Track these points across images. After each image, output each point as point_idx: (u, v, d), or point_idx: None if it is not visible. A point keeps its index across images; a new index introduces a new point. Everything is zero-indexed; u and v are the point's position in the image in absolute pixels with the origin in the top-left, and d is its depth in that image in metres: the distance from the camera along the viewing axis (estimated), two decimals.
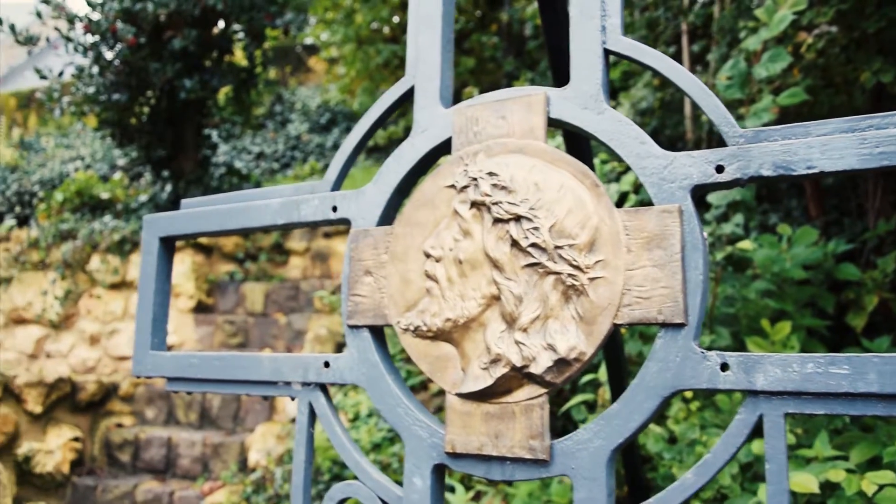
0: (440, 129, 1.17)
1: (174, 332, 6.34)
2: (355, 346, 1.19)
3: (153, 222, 1.54)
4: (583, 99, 1.05)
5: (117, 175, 8.36)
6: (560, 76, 1.69)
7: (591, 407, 2.90)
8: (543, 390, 0.99)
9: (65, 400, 5.50)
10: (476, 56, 9.25)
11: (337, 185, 1.34)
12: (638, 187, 3.06)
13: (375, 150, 9.86)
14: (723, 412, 2.33)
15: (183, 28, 6.52)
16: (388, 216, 1.22)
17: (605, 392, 2.64)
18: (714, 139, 4.60)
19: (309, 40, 11.59)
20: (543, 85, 7.13)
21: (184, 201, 1.54)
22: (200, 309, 6.44)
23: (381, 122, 1.31)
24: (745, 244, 2.52)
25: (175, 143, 7.24)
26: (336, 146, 10.17)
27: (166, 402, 5.78)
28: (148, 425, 5.72)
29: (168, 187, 7.20)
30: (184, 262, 6.45)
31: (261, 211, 1.38)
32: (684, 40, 5.12)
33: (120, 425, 5.72)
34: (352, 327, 1.20)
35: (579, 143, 1.77)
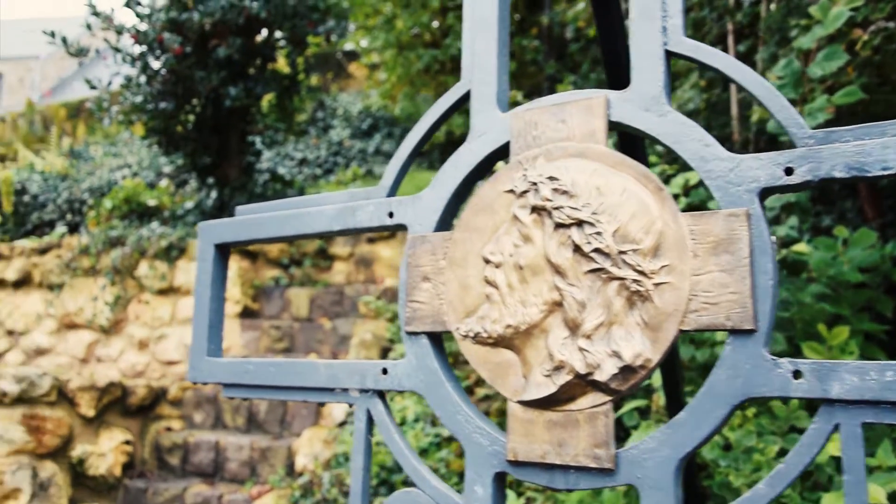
0: (498, 133, 1.16)
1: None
2: (413, 352, 1.19)
3: (208, 229, 1.55)
4: (644, 101, 1.04)
5: (164, 182, 8.49)
6: (615, 79, 1.68)
7: (643, 412, 2.86)
8: (608, 398, 0.97)
9: (116, 404, 5.59)
10: (517, 60, 9.23)
11: (393, 191, 1.33)
12: (688, 190, 3.02)
13: (418, 154, 9.89)
14: (779, 419, 2.29)
15: (227, 37, 6.61)
16: (445, 222, 1.21)
17: (659, 398, 2.60)
18: (763, 140, 4.52)
19: (349, 46, 11.67)
20: (586, 88, 7.08)
21: (238, 208, 1.55)
22: (246, 314, 6.51)
23: (436, 127, 1.31)
24: (801, 247, 2.47)
25: (220, 151, 7.33)
26: (378, 151, 10.22)
27: (214, 407, 5.84)
28: (196, 429, 5.79)
29: (213, 194, 7.29)
30: (230, 268, 6.50)
31: (316, 217, 1.38)
32: (730, 40, 5.04)
33: (169, 429, 5.80)
34: (410, 334, 1.19)
35: (634, 146, 1.75)
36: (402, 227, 1.26)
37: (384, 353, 5.38)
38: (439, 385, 1.15)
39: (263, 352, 6.22)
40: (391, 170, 1.34)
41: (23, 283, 7.67)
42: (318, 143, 10.35)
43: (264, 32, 7.22)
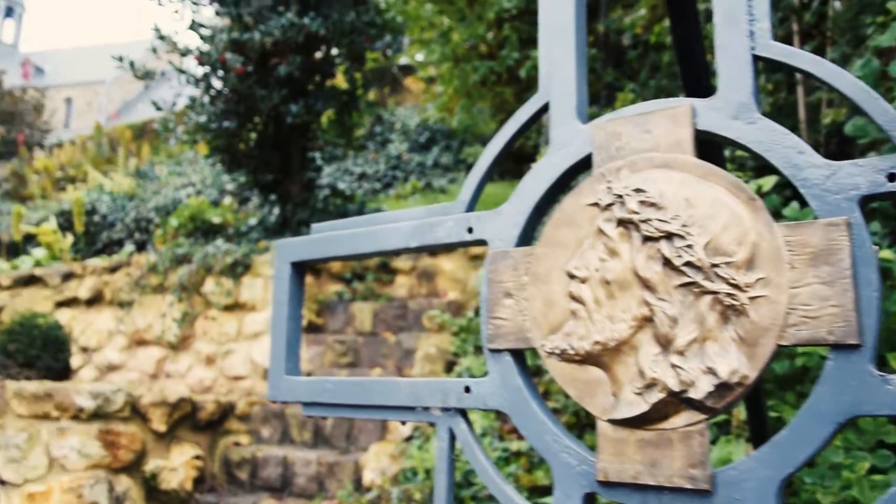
0: (579, 145, 1.14)
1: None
2: (497, 370, 1.17)
3: (285, 248, 1.56)
4: (733, 108, 1.00)
5: (227, 200, 8.65)
6: (692, 86, 1.64)
7: (720, 426, 2.78)
8: (703, 416, 0.94)
9: (186, 419, 5.69)
10: None
11: (471, 206, 1.31)
12: (761, 197, 2.92)
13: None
14: (866, 434, 2.20)
15: (288, 55, 6.71)
16: (526, 236, 1.19)
17: (739, 413, 2.53)
18: (833, 143, 4.40)
19: (404, 61, 11.75)
20: (646, 96, 7.00)
21: (314, 226, 1.55)
22: (311, 329, 6.57)
23: (514, 140, 1.29)
24: (886, 254, 2.38)
25: (281, 167, 7.44)
26: (436, 164, 10.25)
27: (281, 422, 5.90)
28: (264, 444, 5.86)
29: (276, 210, 7.40)
30: None
31: (394, 234, 1.37)
32: (796, 41, 4.93)
33: (237, 444, 5.87)
34: (493, 351, 1.17)
35: (712, 155, 1.70)
36: (481, 243, 1.24)
37: (449, 367, 5.37)
38: (524, 403, 1.13)
39: (328, 366, 6.26)
40: (469, 184, 1.32)
41: (95, 300, 7.88)
42: (376, 157, 10.43)
43: (323, 49, 7.32)
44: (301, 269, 1.56)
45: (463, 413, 1.21)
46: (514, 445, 4.16)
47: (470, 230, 1.25)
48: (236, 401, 6.11)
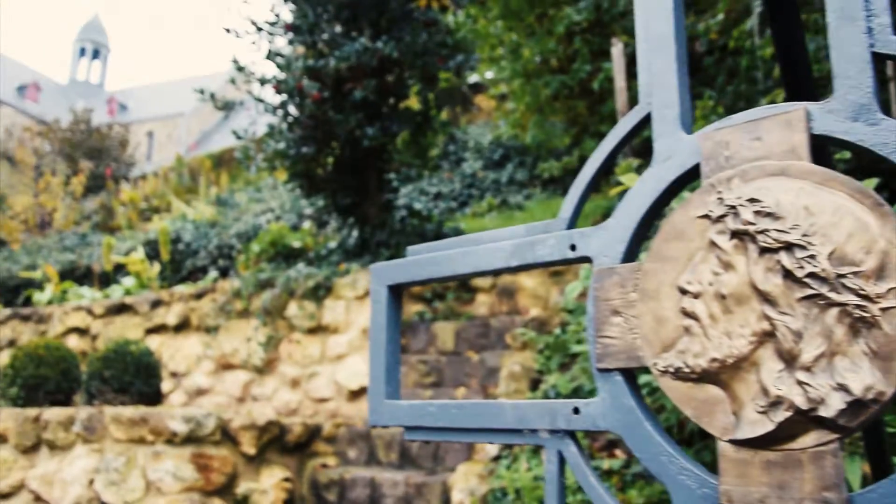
0: (685, 156, 1.10)
1: (369, 373, 6.51)
2: (607, 390, 1.13)
3: (381, 271, 1.55)
4: (852, 110, 0.95)
5: (306, 224, 8.79)
6: (794, 89, 1.58)
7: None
8: (835, 436, 0.89)
9: (275, 442, 5.76)
10: None
11: (572, 223, 1.28)
12: None
13: (551, 181, 9.82)
14: None
15: (362, 79, 6.81)
16: (632, 252, 1.16)
17: None
18: None
19: (473, 79, 11.77)
20: (724, 102, 6.84)
21: (409, 248, 1.54)
22: None
23: (616, 154, 1.26)
24: None
25: (358, 190, 7.53)
26: (511, 181, 10.23)
27: (367, 443, 5.93)
28: (351, 465, 5.89)
29: (354, 233, 7.48)
30: None
31: (493, 253, 1.35)
32: None
33: (325, 465, 5.92)
34: (602, 370, 1.14)
35: (823, 162, 1.64)
36: (585, 260, 1.21)
37: (534, 385, 5.32)
38: (638, 424, 1.09)
39: (412, 387, 6.27)
40: (570, 201, 1.30)
41: (182, 326, 8.09)
42: (451, 176, 10.48)
43: (395, 72, 7.40)
44: (398, 292, 1.55)
45: (572, 435, 1.18)
46: (606, 464, 4.08)
47: (573, 247, 1.22)
48: (322, 423, 6.17)
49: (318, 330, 6.94)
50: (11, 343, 9.49)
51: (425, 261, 1.46)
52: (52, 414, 5.92)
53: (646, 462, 1.07)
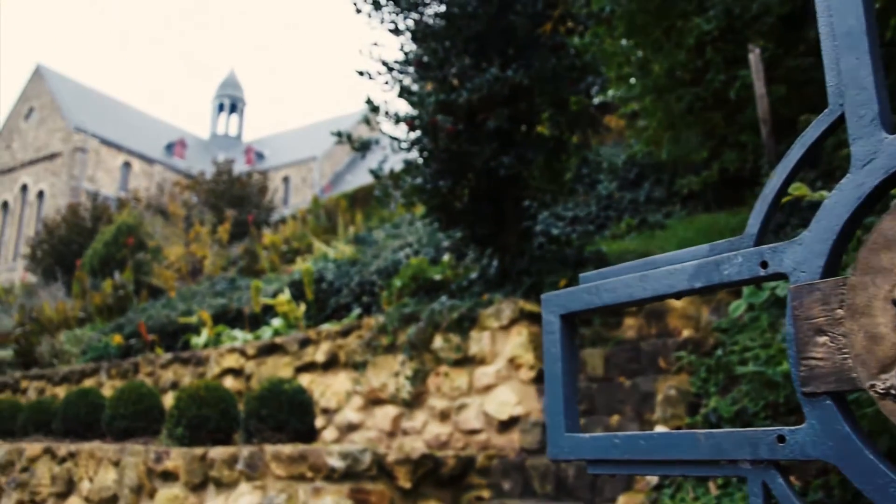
0: (887, 158, 1.00)
1: (519, 403, 6.45)
2: (815, 416, 1.03)
3: (552, 300, 1.50)
4: None
5: (445, 257, 8.86)
6: None
7: None
8: None
9: (429, 475, 5.77)
10: (785, 82, 8.65)
11: (760, 239, 1.19)
12: None
13: (691, 197, 9.51)
14: None
15: (494, 109, 6.83)
16: (832, 266, 1.06)
17: None
18: None
19: (596, 100, 11.60)
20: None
21: (581, 276, 1.48)
22: (541, 378, 6.51)
23: (804, 163, 1.16)
24: None
25: (496, 220, 7.53)
26: (649, 199, 9.98)
27: (521, 474, 5.84)
28: (506, 497, 5.81)
29: (494, 262, 7.47)
30: (521, 334, 6.59)
31: (673, 276, 1.28)
32: None
33: (480, 498, 5.87)
34: (808, 395, 1.04)
35: None
36: (779, 277, 1.12)
37: (692, 409, 5.10)
38: (857, 453, 0.98)
39: None
40: (756, 215, 1.21)
41: (330, 364, 8.28)
42: (587, 199, 10.34)
43: (527, 99, 7.38)
44: (571, 321, 1.49)
45: (777, 465, 1.09)
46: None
47: (764, 265, 1.14)
48: (475, 455, 6.14)
49: (464, 361, 6.95)
50: (174, 385, 10.00)
51: (600, 287, 1.40)
52: (217, 452, 6.15)
53: (871, 493, 0.96)
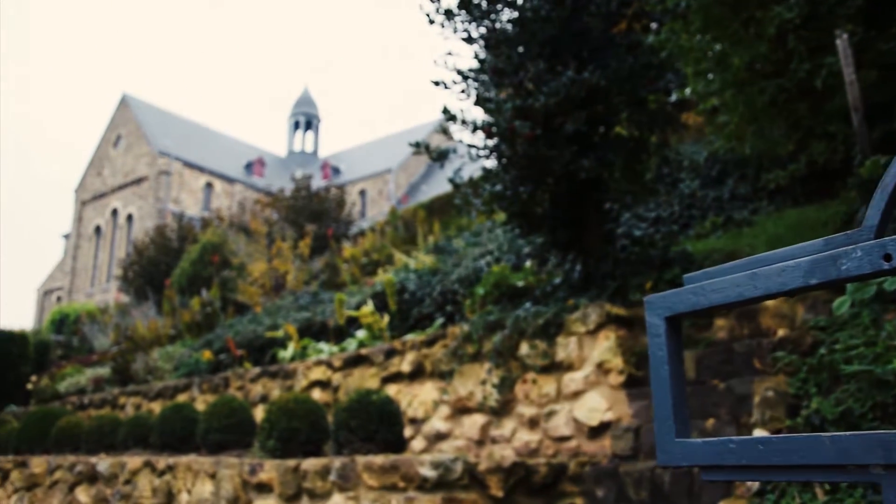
0: None
1: (609, 408, 6.35)
2: None
3: (656, 302, 1.45)
4: None
5: (527, 263, 8.81)
6: None
7: None
8: None
9: (521, 483, 5.72)
10: (876, 66, 8.31)
11: (881, 231, 1.13)
12: None
13: (778, 192, 9.22)
14: None
15: (571, 112, 6.76)
16: None
17: None
18: None
19: (675, 96, 11.36)
20: None
21: (686, 276, 1.44)
22: (631, 383, 6.40)
23: None
24: None
25: (577, 223, 7.45)
26: (734, 196, 9.73)
27: (614, 481, 5.74)
28: None
29: (577, 267, 7.39)
30: (608, 338, 6.49)
31: (787, 273, 1.22)
32: None
33: None
34: None
35: None
36: None
37: (792, 411, 4.92)
38: None
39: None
40: (875, 206, 1.15)
41: (416, 374, 8.32)
42: (668, 199, 10.14)
43: (604, 99, 7.29)
44: (676, 323, 1.45)
45: None
46: None
47: (887, 257, 1.08)
48: (566, 462, 6.06)
49: (551, 368, 6.88)
50: (263, 398, 10.20)
51: (707, 287, 1.35)
52: (309, 464, 6.23)
53: None
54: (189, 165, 54.02)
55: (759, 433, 5.03)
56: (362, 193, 56.24)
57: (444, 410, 7.90)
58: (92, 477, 8.92)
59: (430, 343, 8.24)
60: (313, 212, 24.79)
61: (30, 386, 17.21)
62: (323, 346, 10.71)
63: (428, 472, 5.33)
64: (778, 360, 5.21)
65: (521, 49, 7.06)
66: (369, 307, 10.32)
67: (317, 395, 9.46)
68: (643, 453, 6.02)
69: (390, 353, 8.70)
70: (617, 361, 6.42)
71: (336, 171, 60.42)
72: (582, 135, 6.97)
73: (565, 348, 6.78)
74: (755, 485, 4.65)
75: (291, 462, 6.40)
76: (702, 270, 1.42)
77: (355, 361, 9.18)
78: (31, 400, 16.96)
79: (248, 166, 59.97)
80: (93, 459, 9.05)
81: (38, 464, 10.07)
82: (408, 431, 8.15)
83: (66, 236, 60.28)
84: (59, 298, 56.92)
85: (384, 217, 26.36)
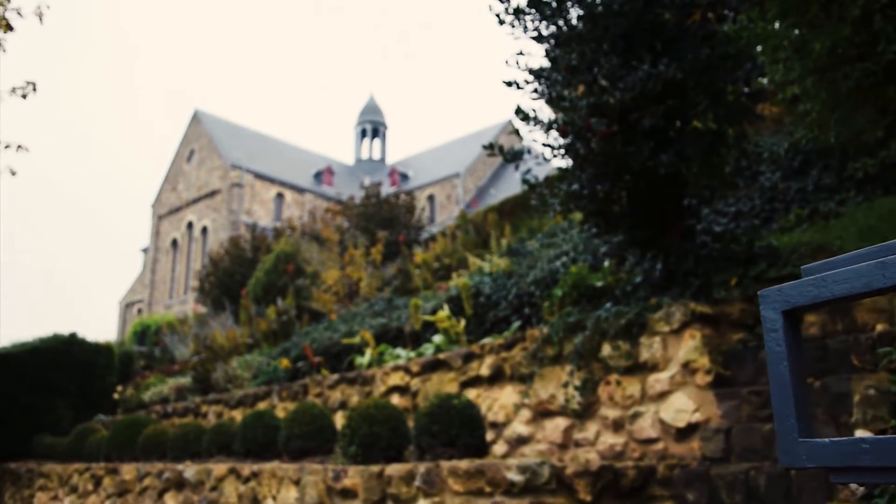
0: None
1: (698, 409, 6.17)
2: None
3: (771, 296, 1.36)
4: None
5: (605, 263, 8.65)
6: None
7: None
8: None
9: (609, 487, 5.61)
10: None
11: None
12: None
13: (867, 181, 8.86)
14: None
15: (647, 106, 6.61)
16: None
17: None
18: None
19: (745, 89, 11.00)
20: None
21: (804, 268, 1.35)
22: (719, 383, 6.20)
23: None
24: None
25: (656, 221, 7.28)
26: (818, 187, 9.39)
27: (706, 484, 5.57)
28: None
29: (658, 265, 7.22)
30: (693, 337, 6.32)
31: None
32: None
33: None
34: None
35: None
36: None
37: (895, 409, 4.69)
38: None
39: (746, 421, 5.83)
40: None
41: (496, 377, 8.25)
42: (748, 192, 9.84)
43: (680, 92, 7.11)
44: (794, 317, 1.36)
45: None
46: None
47: None
48: (655, 464, 5.91)
49: (635, 369, 6.73)
50: (342, 405, 10.27)
51: (829, 279, 1.26)
52: (393, 470, 6.22)
53: None
54: (260, 177, 55.12)
55: (860, 433, 4.80)
56: (430, 199, 56.49)
57: (525, 414, 7.81)
58: (179, 483, 9.11)
59: (508, 346, 8.17)
60: (384, 218, 24.94)
61: (116, 396, 17.75)
62: (400, 351, 10.73)
63: (515, 477, 5.25)
64: (882, 357, 4.97)
65: (593, 45, 6.94)
66: (445, 311, 10.30)
67: (395, 400, 9.48)
68: (735, 455, 5.83)
69: (468, 357, 8.66)
70: (703, 361, 6.23)
71: (404, 176, 60.84)
72: (659, 130, 6.81)
73: (649, 348, 6.62)
74: (860, 488, 4.44)
75: (375, 468, 6.40)
76: (820, 262, 1.33)
77: (433, 366, 9.16)
78: (118, 409, 17.50)
79: (317, 175, 60.86)
80: (179, 467, 9.25)
81: (128, 471, 10.36)
82: (489, 436, 8.08)
83: (145, 250, 62.23)
84: (139, 311, 58.80)
85: (453, 221, 26.36)
